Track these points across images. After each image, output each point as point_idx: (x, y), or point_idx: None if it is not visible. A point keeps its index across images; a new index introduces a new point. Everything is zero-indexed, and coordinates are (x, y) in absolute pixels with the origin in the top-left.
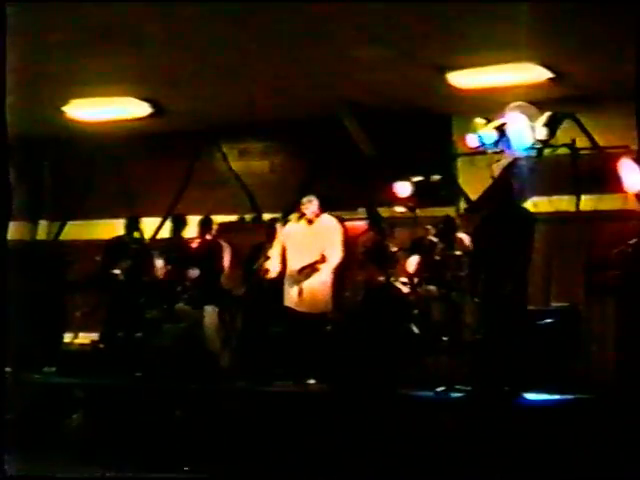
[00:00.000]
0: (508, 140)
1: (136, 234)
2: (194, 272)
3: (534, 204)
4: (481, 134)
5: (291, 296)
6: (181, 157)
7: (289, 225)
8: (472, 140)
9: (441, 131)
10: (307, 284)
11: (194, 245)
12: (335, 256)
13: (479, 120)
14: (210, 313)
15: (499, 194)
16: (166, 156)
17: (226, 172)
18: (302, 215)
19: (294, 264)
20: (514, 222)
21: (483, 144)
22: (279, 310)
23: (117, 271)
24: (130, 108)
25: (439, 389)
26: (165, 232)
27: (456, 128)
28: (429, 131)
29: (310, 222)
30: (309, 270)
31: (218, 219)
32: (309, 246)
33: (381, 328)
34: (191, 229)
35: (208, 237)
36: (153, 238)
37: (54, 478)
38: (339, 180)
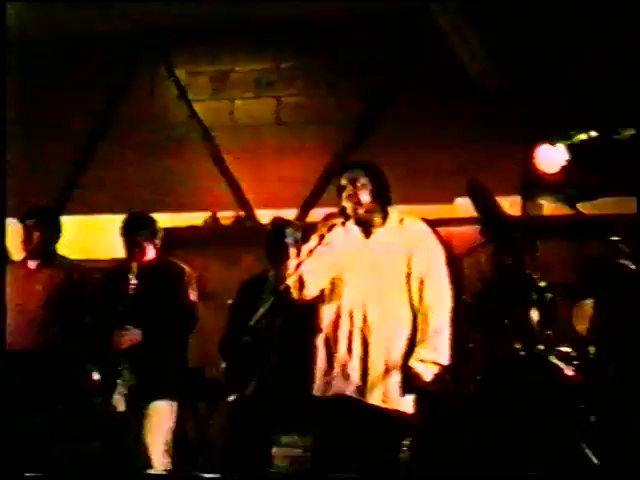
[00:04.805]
0: None
1: None
2: (132, 335)
3: None
4: None
5: (347, 377)
6: (94, 88)
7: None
8: None
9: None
10: (377, 356)
11: (129, 277)
12: (439, 303)
13: None
14: (160, 416)
15: None
16: (65, 84)
17: (181, 121)
18: (343, 213)
19: (344, 314)
20: None
21: None
22: (310, 406)
23: None
24: None
25: None
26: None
27: None
28: (612, 37)
29: (366, 228)
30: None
31: (165, 221)
32: (370, 279)
33: (522, 442)
34: (112, 241)
35: (150, 256)
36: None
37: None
38: (415, 138)
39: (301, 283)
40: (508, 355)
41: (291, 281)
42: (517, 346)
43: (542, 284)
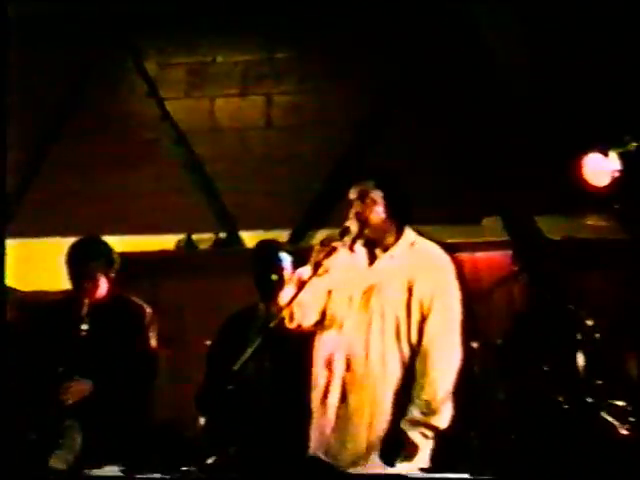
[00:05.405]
0: None
1: None
2: (80, 386)
3: None
4: None
5: (321, 435)
6: (47, 84)
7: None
8: None
9: None
10: (358, 412)
11: (78, 316)
12: (442, 347)
13: None
14: None
15: None
16: (11, 82)
17: (151, 123)
18: (345, 234)
19: (322, 360)
20: None
21: None
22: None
23: None
24: None
25: None
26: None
27: None
28: None
29: (372, 253)
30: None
31: (129, 244)
32: (360, 315)
33: None
34: (62, 269)
35: (102, 291)
36: None
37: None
38: (433, 145)
39: (291, 318)
40: (548, 409)
41: (284, 316)
42: (560, 398)
43: (589, 322)
